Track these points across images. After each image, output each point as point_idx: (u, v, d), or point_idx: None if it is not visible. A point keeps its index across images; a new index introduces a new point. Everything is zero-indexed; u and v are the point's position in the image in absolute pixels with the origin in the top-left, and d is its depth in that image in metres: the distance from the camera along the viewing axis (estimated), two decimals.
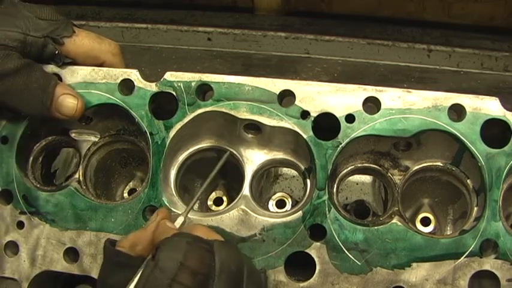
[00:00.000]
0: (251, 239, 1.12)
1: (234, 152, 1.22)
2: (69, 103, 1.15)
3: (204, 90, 1.19)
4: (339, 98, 1.12)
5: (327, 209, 1.10)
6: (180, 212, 1.11)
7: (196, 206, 1.34)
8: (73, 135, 1.28)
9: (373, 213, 1.28)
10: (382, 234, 1.09)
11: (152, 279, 0.84)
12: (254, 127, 1.19)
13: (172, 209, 1.15)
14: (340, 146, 1.11)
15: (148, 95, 1.17)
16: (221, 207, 1.32)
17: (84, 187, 1.23)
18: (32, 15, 1.13)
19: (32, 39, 1.12)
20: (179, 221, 1.06)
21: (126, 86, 1.19)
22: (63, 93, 1.14)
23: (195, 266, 0.86)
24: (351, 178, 1.29)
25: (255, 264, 1.10)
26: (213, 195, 1.35)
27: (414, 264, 1.07)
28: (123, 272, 0.92)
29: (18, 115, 1.20)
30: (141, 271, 0.88)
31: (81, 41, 1.18)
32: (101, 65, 1.21)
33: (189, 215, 1.14)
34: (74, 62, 1.20)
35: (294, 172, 1.32)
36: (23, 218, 1.19)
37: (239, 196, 1.17)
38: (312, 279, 1.09)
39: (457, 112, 1.11)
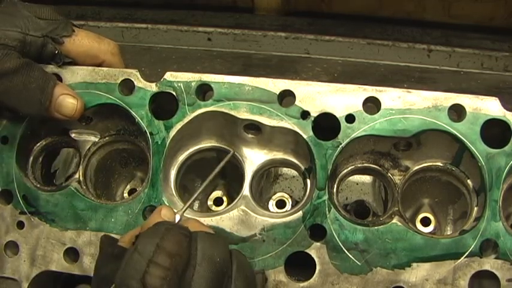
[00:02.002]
0: (251, 239, 1.12)
1: (236, 153, 1.22)
2: (68, 103, 1.14)
3: (204, 90, 1.19)
4: (339, 98, 1.12)
5: (327, 209, 1.10)
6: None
7: (196, 206, 1.34)
8: (73, 135, 1.27)
9: (373, 213, 1.28)
10: (382, 234, 1.09)
11: (131, 262, 0.87)
12: (254, 127, 1.19)
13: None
14: (340, 146, 1.11)
15: (148, 95, 1.17)
16: (221, 207, 1.32)
17: (84, 187, 1.23)
18: (31, 14, 1.13)
19: (31, 38, 1.12)
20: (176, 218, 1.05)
21: (126, 86, 1.19)
22: (62, 93, 1.14)
23: (172, 247, 0.88)
24: (351, 178, 1.29)
25: (254, 265, 1.10)
26: (213, 195, 1.35)
27: (414, 264, 1.07)
28: (116, 263, 0.94)
29: (18, 115, 1.20)
30: None
31: (81, 40, 1.18)
32: (100, 64, 1.21)
33: (189, 215, 1.14)
34: (74, 62, 1.19)
35: (294, 172, 1.31)
36: (23, 218, 1.19)
37: (239, 196, 1.17)
38: (312, 279, 1.08)
39: (457, 112, 1.11)
